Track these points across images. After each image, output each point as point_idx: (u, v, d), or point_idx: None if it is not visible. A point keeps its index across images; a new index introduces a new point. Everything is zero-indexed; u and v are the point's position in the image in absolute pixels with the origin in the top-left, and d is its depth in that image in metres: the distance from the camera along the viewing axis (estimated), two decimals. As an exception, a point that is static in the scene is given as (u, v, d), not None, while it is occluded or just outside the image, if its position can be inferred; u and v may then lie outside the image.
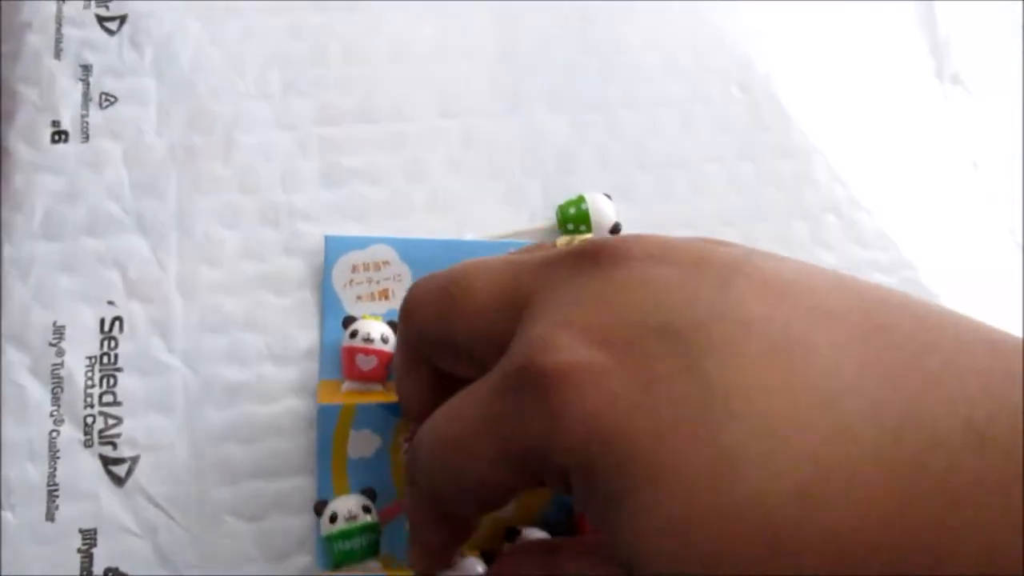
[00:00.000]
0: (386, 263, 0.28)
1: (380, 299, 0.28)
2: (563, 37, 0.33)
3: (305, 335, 0.28)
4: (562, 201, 0.30)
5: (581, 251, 0.18)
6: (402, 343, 0.22)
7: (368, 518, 0.25)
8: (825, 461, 0.13)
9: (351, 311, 0.28)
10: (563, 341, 0.16)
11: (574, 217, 0.29)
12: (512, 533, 0.24)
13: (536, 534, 0.24)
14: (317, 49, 0.31)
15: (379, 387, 0.27)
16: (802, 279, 0.16)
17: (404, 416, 0.24)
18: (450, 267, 0.20)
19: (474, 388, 0.18)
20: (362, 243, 0.28)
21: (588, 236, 0.21)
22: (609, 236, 0.19)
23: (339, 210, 0.29)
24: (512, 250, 0.28)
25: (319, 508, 0.25)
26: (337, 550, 0.24)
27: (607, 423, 0.15)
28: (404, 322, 0.21)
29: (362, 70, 0.31)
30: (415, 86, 0.31)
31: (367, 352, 0.26)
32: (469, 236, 0.29)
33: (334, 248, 0.28)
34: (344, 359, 0.27)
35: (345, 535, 0.24)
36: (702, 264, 0.16)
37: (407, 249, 0.28)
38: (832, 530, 0.13)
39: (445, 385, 0.20)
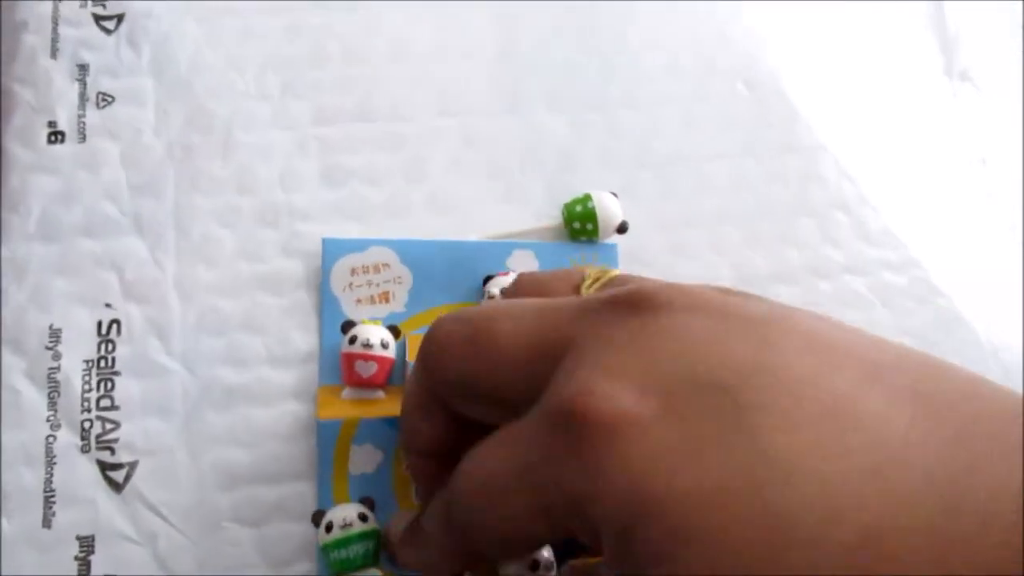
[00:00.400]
0: (386, 265, 0.28)
1: (381, 302, 0.27)
2: (563, 36, 0.32)
3: (304, 337, 0.27)
4: (567, 199, 0.29)
5: (617, 298, 0.17)
6: (418, 386, 0.21)
7: (364, 526, 0.24)
8: (878, 531, 0.13)
9: (351, 315, 0.27)
10: (609, 389, 0.15)
11: (580, 215, 0.29)
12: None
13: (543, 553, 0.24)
14: (316, 49, 0.30)
15: (380, 393, 0.26)
16: (845, 337, 0.16)
17: (406, 452, 0.23)
18: (474, 311, 0.19)
19: (512, 432, 0.17)
20: (361, 245, 0.28)
21: (617, 273, 0.21)
22: (644, 283, 0.18)
23: (339, 210, 0.28)
24: (516, 259, 0.28)
25: (316, 518, 0.25)
26: (333, 559, 0.24)
27: (652, 482, 0.14)
28: (424, 367, 0.20)
29: (361, 70, 0.30)
30: (414, 86, 0.30)
31: (367, 358, 0.26)
32: (472, 236, 0.29)
33: (332, 251, 0.28)
34: (343, 365, 0.26)
35: (340, 544, 0.24)
36: (741, 317, 0.16)
37: (407, 250, 0.28)
38: None
39: (460, 428, 0.20)
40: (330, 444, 0.26)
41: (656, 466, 0.14)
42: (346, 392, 0.26)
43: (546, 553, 0.23)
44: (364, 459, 0.26)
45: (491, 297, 0.27)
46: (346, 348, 0.26)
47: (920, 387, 0.14)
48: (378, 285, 0.27)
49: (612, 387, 0.15)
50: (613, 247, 0.29)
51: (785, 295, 0.30)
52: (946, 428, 0.14)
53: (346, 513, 0.24)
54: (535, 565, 0.23)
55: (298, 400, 0.26)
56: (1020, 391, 0.15)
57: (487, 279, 0.28)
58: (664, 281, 0.18)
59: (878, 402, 0.14)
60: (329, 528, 0.24)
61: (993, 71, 0.36)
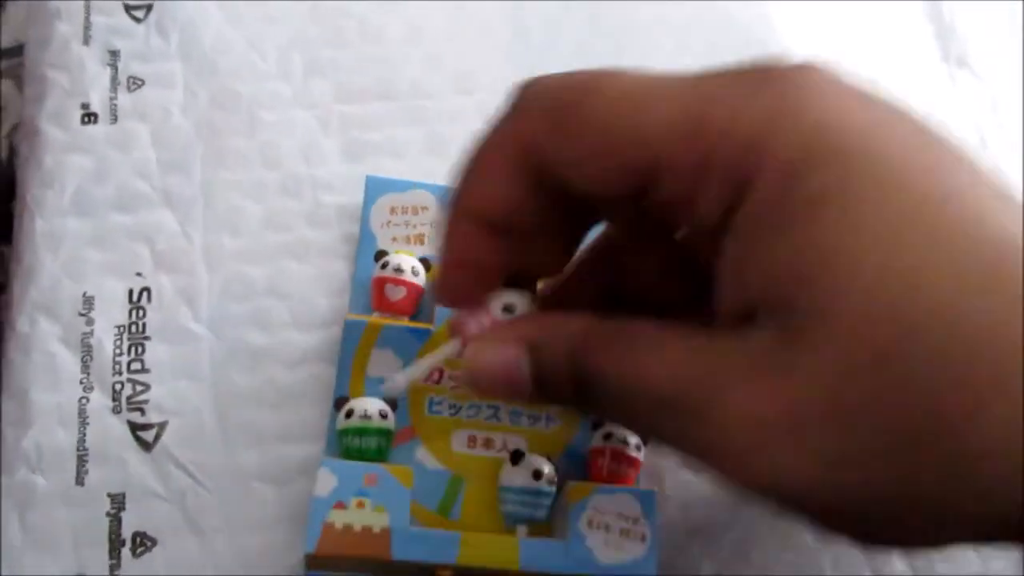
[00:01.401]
0: (425, 208, 0.28)
1: (415, 243, 0.28)
2: (573, 19, 0.33)
3: (328, 302, 0.28)
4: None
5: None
6: (501, 135, 0.19)
7: (383, 422, 0.25)
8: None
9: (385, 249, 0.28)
10: (819, 65, 0.16)
11: None
12: (518, 455, 0.25)
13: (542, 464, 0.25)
14: (335, 30, 0.32)
15: (405, 320, 0.27)
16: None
17: (451, 213, 0.20)
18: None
19: (683, 80, 0.17)
20: (403, 186, 0.29)
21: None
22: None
23: (360, 183, 0.29)
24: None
25: (340, 403, 0.25)
26: (345, 445, 0.25)
27: (842, 126, 0.15)
28: (548, 110, 0.18)
29: (379, 50, 0.32)
30: (431, 65, 0.32)
31: (396, 282, 0.27)
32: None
33: (374, 188, 0.28)
34: (373, 289, 0.27)
35: (357, 431, 0.25)
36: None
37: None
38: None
39: (531, 198, 0.18)
40: (353, 341, 0.26)
41: (847, 114, 0.15)
42: (373, 316, 0.27)
43: (546, 469, 0.24)
44: (383, 363, 0.26)
45: None
46: (377, 273, 0.27)
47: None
48: (415, 227, 0.28)
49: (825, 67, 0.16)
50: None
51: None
52: None
53: (368, 406, 0.25)
54: (538, 475, 0.24)
55: (322, 362, 0.27)
56: None
57: None
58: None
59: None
60: (349, 414, 0.25)
61: (990, 56, 0.37)
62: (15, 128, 0.37)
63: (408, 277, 0.27)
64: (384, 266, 0.27)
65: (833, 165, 0.15)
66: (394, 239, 0.28)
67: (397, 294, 0.27)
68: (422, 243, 0.28)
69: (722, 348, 0.16)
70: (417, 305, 0.27)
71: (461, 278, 0.20)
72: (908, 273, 0.14)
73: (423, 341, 0.27)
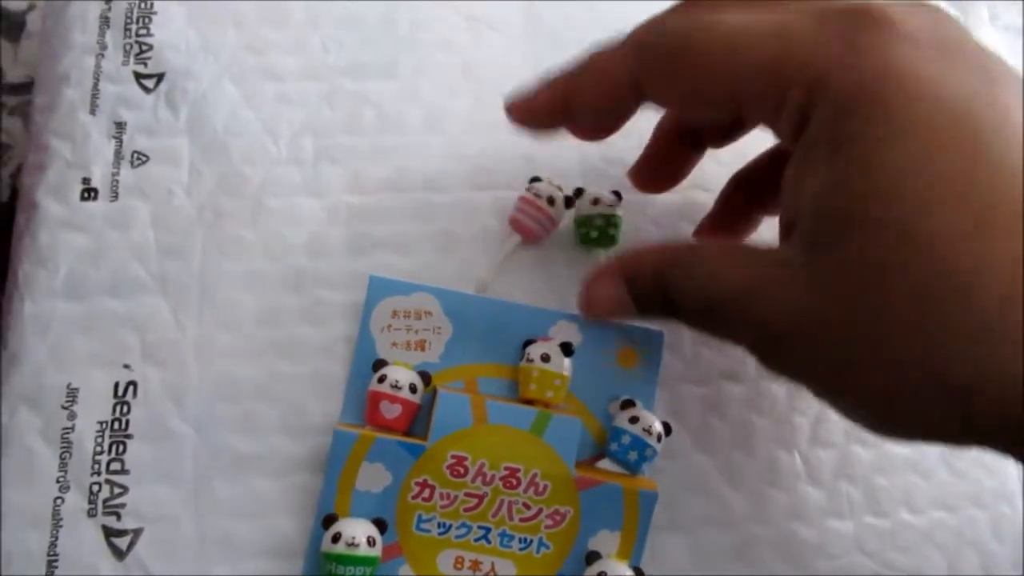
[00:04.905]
0: (428, 313, 0.28)
1: (416, 349, 0.27)
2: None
3: (320, 407, 0.27)
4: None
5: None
6: (622, 53, 0.23)
7: (369, 551, 0.24)
8: None
9: (384, 356, 0.27)
10: (900, 9, 0.18)
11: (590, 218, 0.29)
12: None
13: None
14: (351, 117, 0.30)
15: (399, 435, 0.26)
16: None
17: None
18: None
19: (776, 13, 0.19)
20: (406, 289, 0.28)
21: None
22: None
23: (363, 279, 0.28)
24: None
25: (328, 522, 0.25)
26: (327, 571, 0.24)
27: (905, 74, 0.17)
28: (665, 61, 0.21)
29: (395, 139, 0.30)
30: (447, 158, 0.30)
31: (392, 399, 0.26)
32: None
33: (378, 289, 0.28)
34: (368, 404, 0.26)
35: (340, 559, 0.24)
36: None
37: (451, 302, 0.28)
38: None
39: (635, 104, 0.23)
40: (343, 453, 0.25)
41: (916, 62, 0.17)
42: (366, 428, 0.26)
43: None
44: (372, 477, 0.26)
45: (530, 361, 0.27)
46: (374, 386, 0.26)
47: None
48: (416, 332, 0.27)
49: (903, 8, 0.18)
50: (660, 334, 0.28)
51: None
52: None
53: (356, 532, 0.24)
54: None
55: (309, 472, 0.26)
56: None
57: (527, 343, 0.27)
58: None
59: None
60: (336, 539, 0.24)
61: None
62: (20, 169, 0.37)
63: (405, 394, 0.26)
64: (381, 380, 0.26)
65: (879, 106, 0.17)
66: (394, 344, 0.27)
67: (392, 412, 0.26)
68: (423, 349, 0.27)
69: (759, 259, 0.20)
70: (412, 422, 0.26)
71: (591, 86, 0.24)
72: (907, 218, 0.17)
73: (417, 456, 0.26)
